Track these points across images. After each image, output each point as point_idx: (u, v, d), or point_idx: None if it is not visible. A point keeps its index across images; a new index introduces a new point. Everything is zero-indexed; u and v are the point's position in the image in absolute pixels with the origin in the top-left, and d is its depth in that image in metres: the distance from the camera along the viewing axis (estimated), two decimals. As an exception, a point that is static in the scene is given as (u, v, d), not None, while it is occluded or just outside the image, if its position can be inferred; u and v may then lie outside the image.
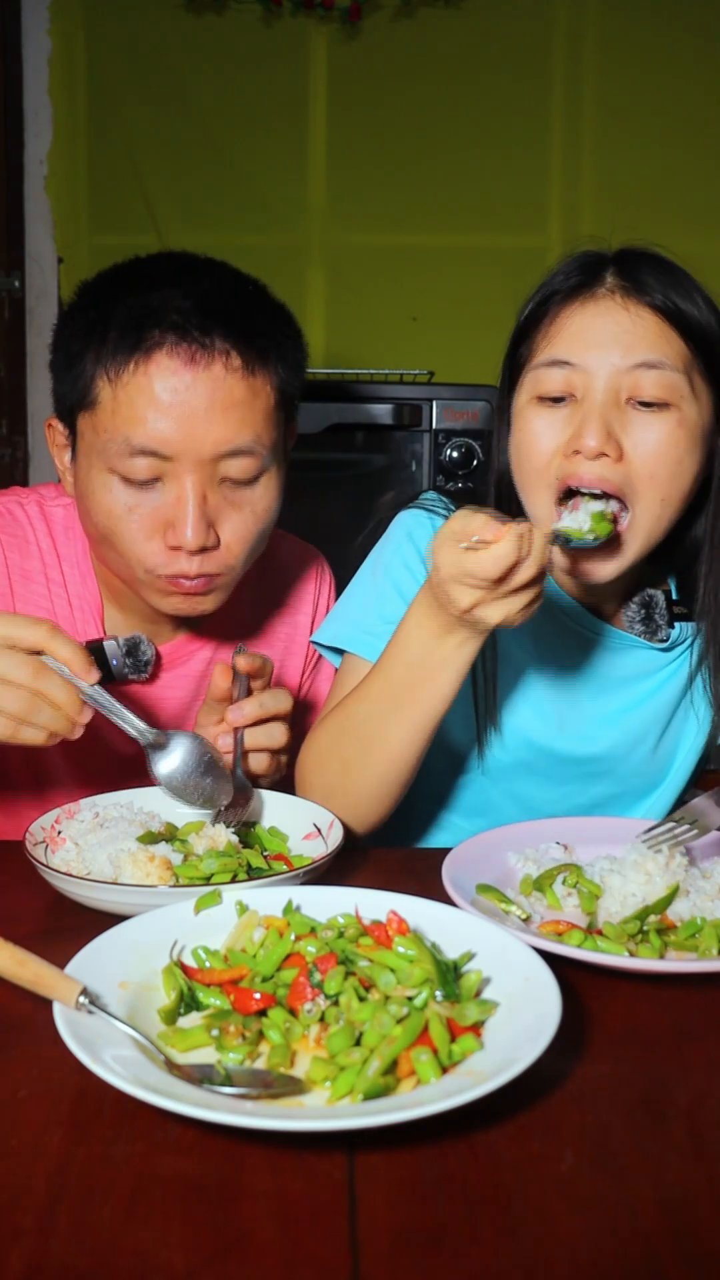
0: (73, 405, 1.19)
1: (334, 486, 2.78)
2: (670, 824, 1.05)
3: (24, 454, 3.12)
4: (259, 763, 1.18)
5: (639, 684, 1.33)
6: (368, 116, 3.03)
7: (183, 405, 1.11)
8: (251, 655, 1.17)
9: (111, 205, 3.07)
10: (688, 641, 1.31)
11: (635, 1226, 0.62)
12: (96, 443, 1.16)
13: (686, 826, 1.05)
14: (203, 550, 1.16)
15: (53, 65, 3.02)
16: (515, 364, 1.21)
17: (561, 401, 1.13)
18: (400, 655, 1.09)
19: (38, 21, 3.01)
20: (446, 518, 1.05)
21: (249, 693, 1.18)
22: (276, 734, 1.17)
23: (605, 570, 1.16)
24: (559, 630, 1.30)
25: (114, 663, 1.29)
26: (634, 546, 1.15)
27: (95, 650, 1.27)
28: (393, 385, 2.78)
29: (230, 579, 1.22)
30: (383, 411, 2.68)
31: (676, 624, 1.29)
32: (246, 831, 1.14)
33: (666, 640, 1.29)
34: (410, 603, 1.10)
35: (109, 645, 1.29)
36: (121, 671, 1.30)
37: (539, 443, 1.14)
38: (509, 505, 1.24)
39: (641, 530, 1.14)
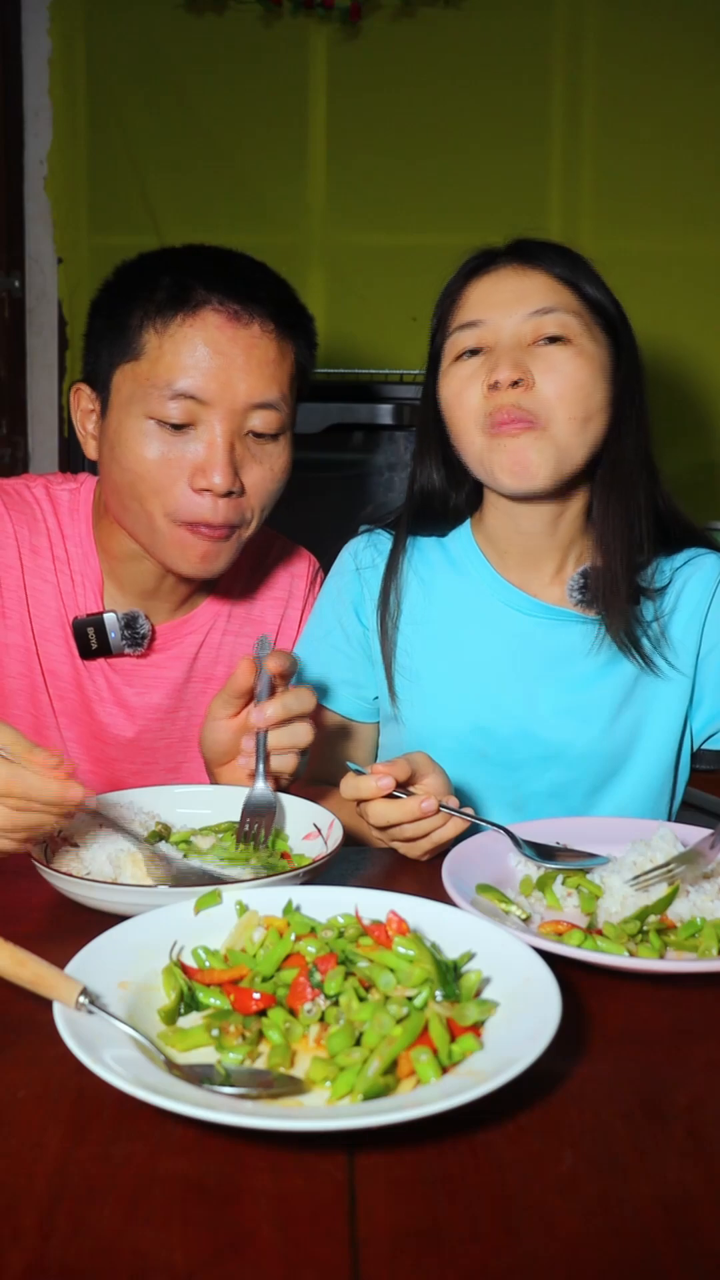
0: (112, 362, 1.27)
1: (334, 486, 2.78)
2: (665, 867, 1.02)
3: (24, 454, 3.12)
4: (283, 762, 1.16)
5: (578, 661, 1.31)
6: (368, 116, 3.03)
7: (223, 356, 1.22)
8: (281, 655, 1.13)
9: (111, 205, 3.07)
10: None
11: (635, 1226, 0.62)
12: (137, 391, 1.24)
13: (679, 868, 1.01)
14: (228, 495, 1.24)
15: (53, 65, 3.02)
16: (434, 354, 1.34)
17: (477, 354, 1.27)
18: None
19: (38, 21, 3.01)
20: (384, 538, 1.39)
21: (271, 691, 1.14)
22: (300, 733, 1.14)
23: (532, 458, 1.23)
24: (486, 607, 1.34)
25: (112, 635, 1.35)
26: (551, 453, 1.23)
27: (95, 623, 1.34)
28: (393, 385, 2.77)
29: (242, 536, 1.29)
30: (383, 411, 2.68)
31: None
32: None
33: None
34: (338, 619, 1.38)
35: (108, 618, 1.35)
36: (119, 644, 1.36)
37: (464, 389, 1.26)
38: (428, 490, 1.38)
39: (558, 440, 1.23)
